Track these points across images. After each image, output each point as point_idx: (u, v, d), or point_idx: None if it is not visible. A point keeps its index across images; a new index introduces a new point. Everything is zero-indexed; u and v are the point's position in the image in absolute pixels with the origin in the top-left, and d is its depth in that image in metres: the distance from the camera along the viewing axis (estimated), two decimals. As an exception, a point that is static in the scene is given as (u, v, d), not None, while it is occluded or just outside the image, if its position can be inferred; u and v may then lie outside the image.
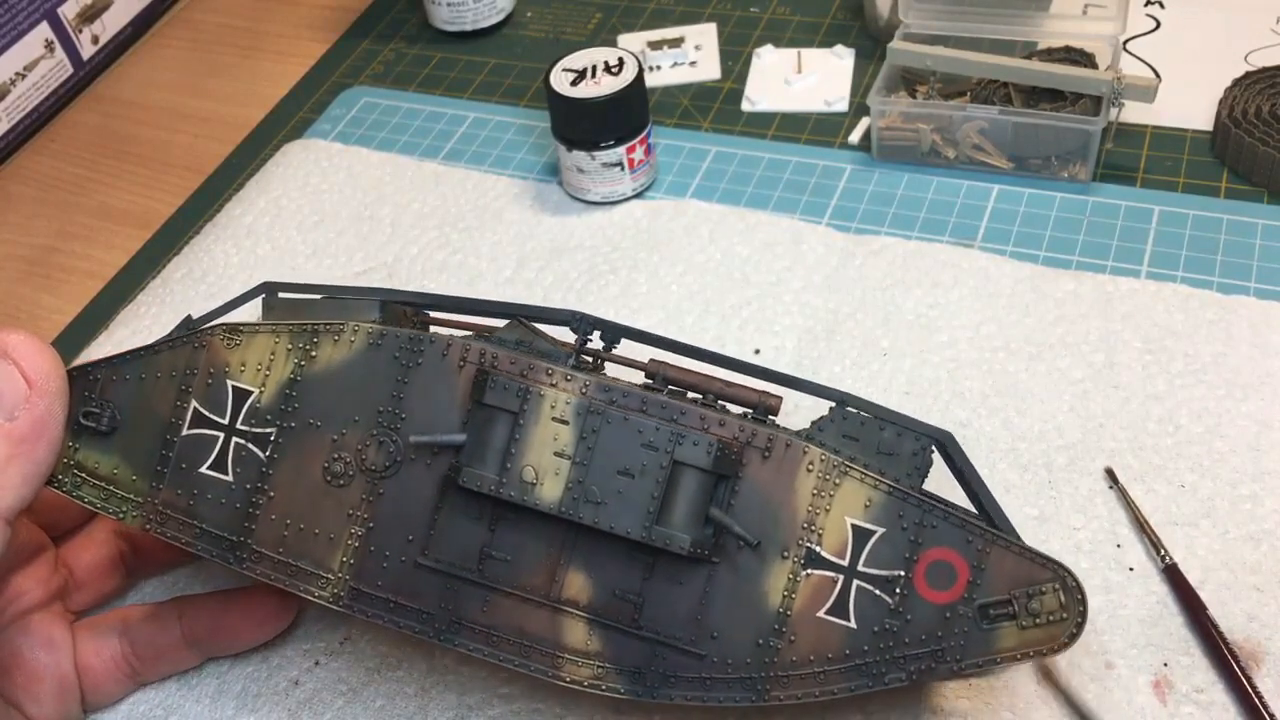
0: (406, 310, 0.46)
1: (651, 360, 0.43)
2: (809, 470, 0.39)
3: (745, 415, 0.43)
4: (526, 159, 0.73)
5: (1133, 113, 0.67)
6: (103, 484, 0.43)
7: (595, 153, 0.65)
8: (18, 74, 0.80)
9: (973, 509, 0.43)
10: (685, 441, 0.39)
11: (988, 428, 0.54)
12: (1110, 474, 0.51)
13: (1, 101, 0.80)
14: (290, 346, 0.42)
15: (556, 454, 0.39)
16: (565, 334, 0.46)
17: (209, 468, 0.42)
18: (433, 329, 0.48)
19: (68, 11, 0.84)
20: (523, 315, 0.44)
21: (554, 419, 0.39)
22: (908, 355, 0.57)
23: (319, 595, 0.42)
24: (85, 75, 0.86)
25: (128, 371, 0.43)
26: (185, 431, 0.42)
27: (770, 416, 0.43)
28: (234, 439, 0.42)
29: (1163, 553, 0.48)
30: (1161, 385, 0.54)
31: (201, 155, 0.79)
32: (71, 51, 0.84)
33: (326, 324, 0.42)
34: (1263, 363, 0.54)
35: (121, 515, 0.43)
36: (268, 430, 0.42)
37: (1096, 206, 0.63)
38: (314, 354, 0.42)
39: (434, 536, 0.41)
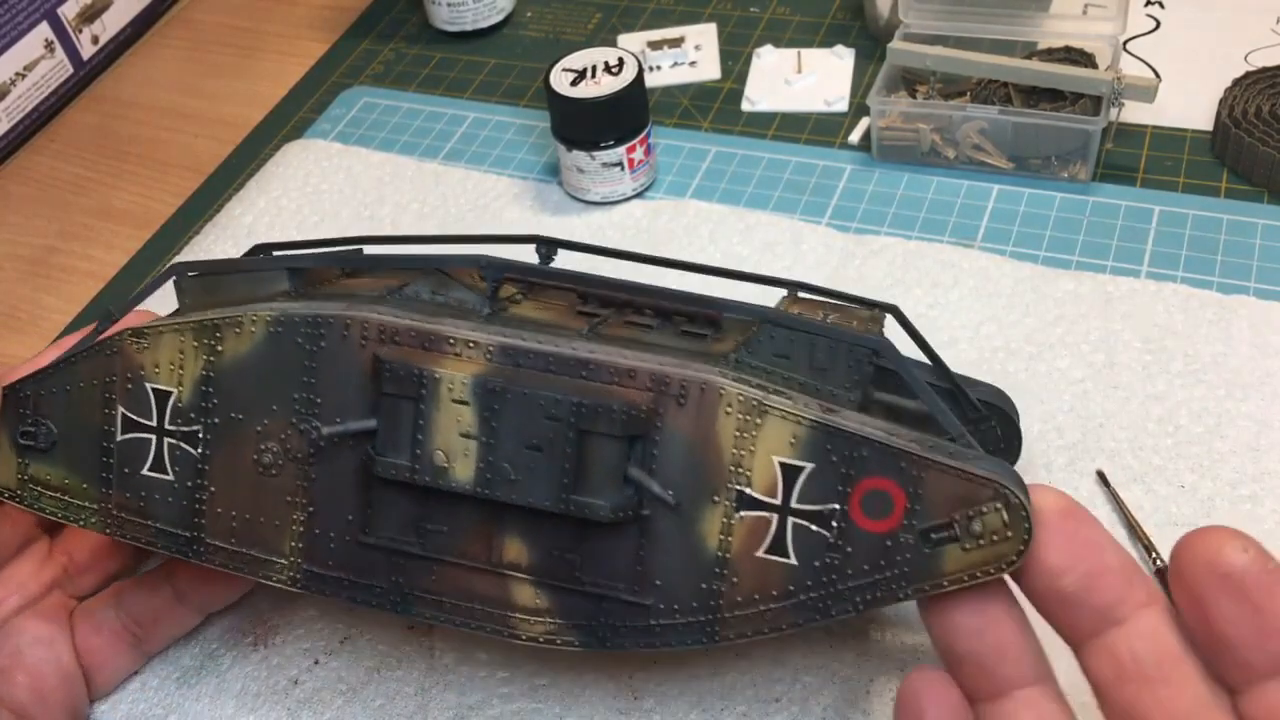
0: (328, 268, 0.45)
1: (577, 276, 0.42)
2: (727, 413, 0.38)
3: (682, 332, 0.42)
4: (526, 159, 0.73)
5: (1133, 113, 0.67)
6: (58, 495, 0.43)
7: (595, 153, 0.65)
8: (18, 74, 0.80)
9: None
10: (587, 409, 0.38)
11: (988, 428, 0.54)
12: (1101, 476, 0.51)
13: (1, 101, 0.80)
14: (196, 343, 0.41)
15: (463, 435, 0.39)
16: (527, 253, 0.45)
17: (150, 469, 0.42)
18: (354, 279, 0.47)
19: (68, 11, 0.84)
20: (435, 266, 0.43)
21: (454, 401, 0.39)
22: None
23: (277, 579, 0.42)
24: (85, 75, 0.86)
25: (53, 385, 0.43)
26: (120, 437, 0.42)
27: (712, 326, 0.42)
28: (165, 439, 0.42)
29: (1154, 556, 0.48)
30: (1161, 385, 0.54)
31: (201, 155, 0.79)
32: (71, 51, 0.84)
33: (225, 317, 0.41)
34: (1263, 363, 0.54)
35: (82, 522, 0.43)
36: (194, 428, 0.42)
37: (1096, 206, 0.63)
38: (219, 349, 0.41)
39: (371, 515, 0.41)
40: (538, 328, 0.41)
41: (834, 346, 0.40)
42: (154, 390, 0.42)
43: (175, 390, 0.42)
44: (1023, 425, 0.53)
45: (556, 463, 0.38)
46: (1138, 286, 0.58)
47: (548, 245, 0.43)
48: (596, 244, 0.43)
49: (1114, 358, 0.55)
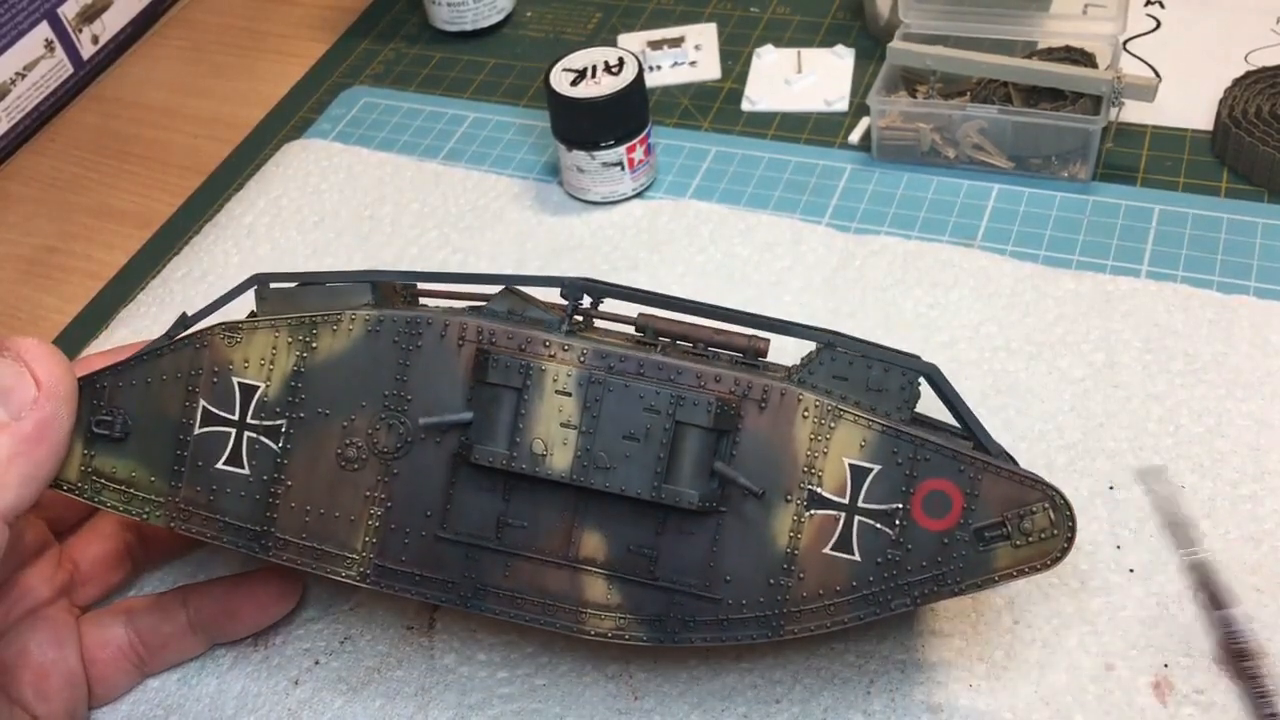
0: (396, 286, 0.47)
1: (640, 314, 0.45)
2: (804, 417, 0.41)
3: (735, 360, 0.44)
4: (526, 159, 0.73)
5: (1133, 112, 0.67)
6: (122, 487, 0.43)
7: (595, 153, 0.65)
8: (18, 74, 0.80)
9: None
10: (685, 402, 0.40)
11: (988, 427, 0.53)
12: (1143, 475, 0.51)
13: (1, 101, 0.80)
14: (290, 340, 0.43)
15: (563, 425, 0.41)
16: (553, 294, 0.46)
17: (225, 463, 0.43)
18: (423, 301, 0.49)
19: (68, 11, 0.84)
20: (514, 284, 0.45)
21: (557, 391, 0.41)
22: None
23: (345, 575, 0.43)
24: (85, 75, 0.86)
25: (133, 377, 0.43)
26: (198, 430, 0.43)
27: (760, 359, 0.44)
28: (246, 433, 0.43)
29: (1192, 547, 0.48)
30: (1161, 385, 0.54)
31: (201, 155, 0.79)
32: (71, 51, 0.84)
33: (324, 315, 0.43)
34: (1263, 363, 0.54)
35: (145, 516, 0.43)
36: (278, 422, 0.43)
37: (1096, 206, 0.63)
38: (314, 345, 0.43)
39: (451, 510, 0.42)
40: (616, 345, 0.42)
41: (888, 370, 0.42)
42: (240, 384, 0.43)
43: (263, 385, 0.43)
44: (1023, 425, 0.54)
45: (652, 452, 0.40)
46: (1138, 286, 0.58)
47: (573, 288, 0.44)
48: (640, 289, 0.44)
49: (1114, 357, 0.55)
